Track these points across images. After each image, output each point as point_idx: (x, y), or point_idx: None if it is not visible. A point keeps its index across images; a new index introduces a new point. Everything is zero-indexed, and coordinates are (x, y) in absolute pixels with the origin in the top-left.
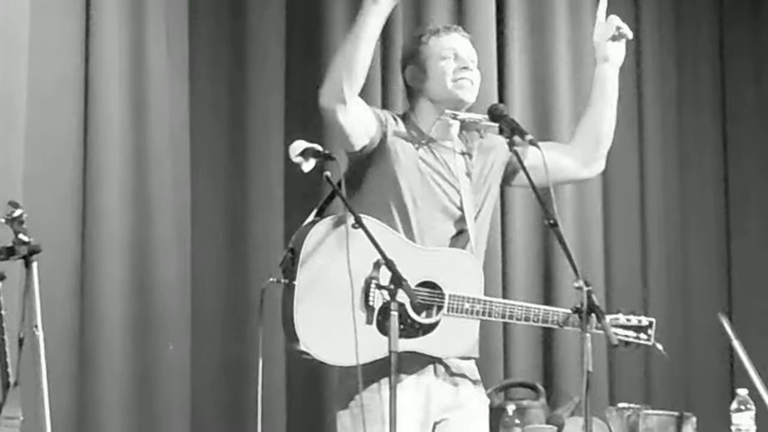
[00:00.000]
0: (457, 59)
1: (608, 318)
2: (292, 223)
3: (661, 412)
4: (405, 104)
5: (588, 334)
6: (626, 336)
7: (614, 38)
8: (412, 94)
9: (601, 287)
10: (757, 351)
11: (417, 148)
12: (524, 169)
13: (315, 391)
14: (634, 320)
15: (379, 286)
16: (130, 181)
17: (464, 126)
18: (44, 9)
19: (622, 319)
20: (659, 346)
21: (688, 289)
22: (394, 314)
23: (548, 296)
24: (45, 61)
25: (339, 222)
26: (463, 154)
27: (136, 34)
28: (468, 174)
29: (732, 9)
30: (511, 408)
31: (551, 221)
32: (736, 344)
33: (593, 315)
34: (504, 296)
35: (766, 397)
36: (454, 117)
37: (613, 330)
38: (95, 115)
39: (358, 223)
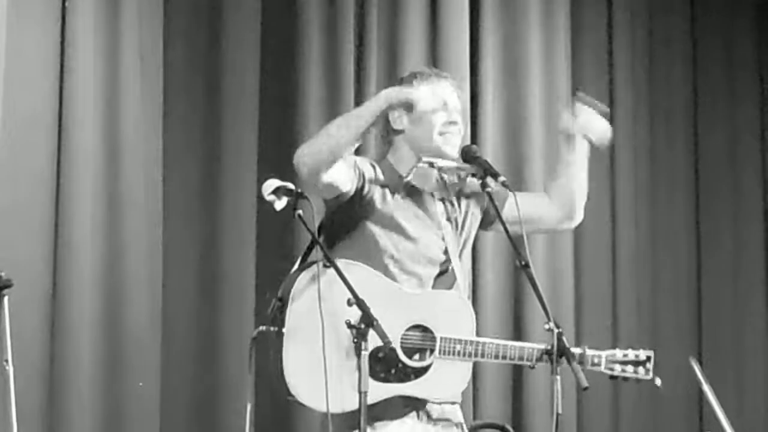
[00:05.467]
0: (446, 110)
1: (604, 354)
2: (263, 262)
3: None
4: (377, 145)
5: (558, 377)
6: (624, 371)
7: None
8: (394, 136)
9: (571, 329)
10: (727, 395)
11: (394, 194)
12: (496, 209)
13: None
14: (631, 354)
15: (350, 325)
16: (102, 218)
17: (443, 173)
18: (19, 46)
19: (618, 354)
20: (658, 381)
21: (659, 332)
22: (365, 353)
23: (518, 339)
24: (19, 95)
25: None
26: (442, 200)
27: (110, 72)
28: (449, 219)
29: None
30: None
31: (523, 262)
32: (706, 388)
33: (564, 357)
34: None
35: None
36: (431, 165)
37: (611, 365)
38: (68, 151)
39: (330, 263)
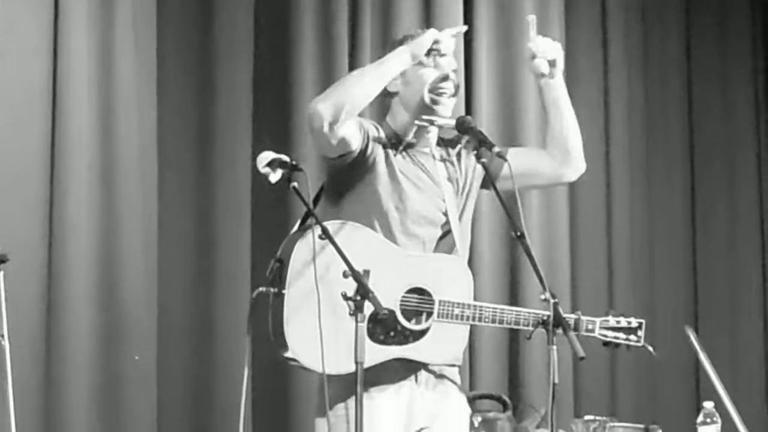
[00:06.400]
0: (438, 67)
1: (598, 321)
2: (259, 234)
3: (627, 424)
4: (375, 109)
5: (554, 347)
6: (616, 338)
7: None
8: (390, 98)
9: (567, 300)
10: (723, 364)
11: (395, 155)
12: (492, 181)
13: (281, 399)
14: (623, 322)
15: (346, 297)
16: (97, 191)
17: (442, 132)
18: (11, 19)
19: (611, 321)
20: (649, 347)
21: (655, 301)
22: (362, 326)
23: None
24: (12, 70)
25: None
26: (443, 160)
27: (104, 44)
28: (449, 179)
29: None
30: (477, 420)
31: (518, 233)
32: (703, 357)
33: (559, 327)
34: None
35: (732, 409)
36: (431, 123)
37: (604, 332)
38: (63, 124)
39: (325, 235)
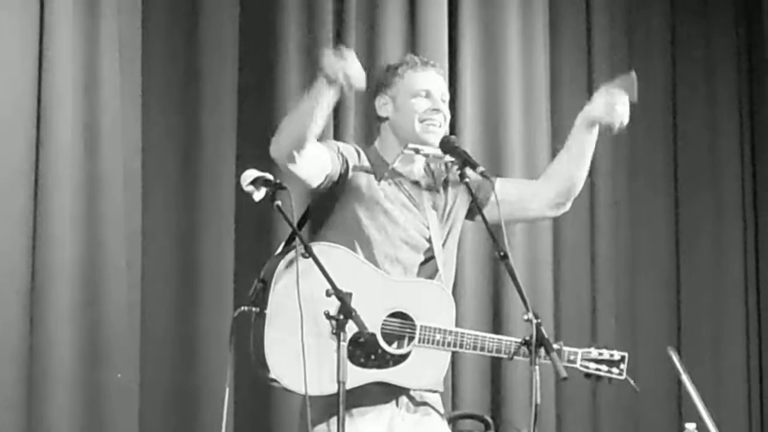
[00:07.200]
0: (429, 98)
1: (580, 352)
2: (242, 251)
3: None
4: (358, 135)
5: (536, 367)
6: (598, 370)
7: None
8: (380, 123)
9: (550, 321)
10: (705, 385)
11: (380, 181)
12: (476, 202)
13: (264, 418)
14: (606, 354)
15: (328, 316)
16: (81, 207)
17: (429, 161)
18: None
19: (594, 353)
20: (631, 381)
21: (637, 322)
22: (343, 344)
23: (497, 330)
24: None
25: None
26: (429, 188)
27: (89, 60)
28: (434, 207)
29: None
30: None
31: (501, 254)
32: (685, 378)
33: (542, 348)
34: None
35: (714, 431)
36: (417, 152)
37: (585, 363)
38: (47, 139)
39: (308, 253)
